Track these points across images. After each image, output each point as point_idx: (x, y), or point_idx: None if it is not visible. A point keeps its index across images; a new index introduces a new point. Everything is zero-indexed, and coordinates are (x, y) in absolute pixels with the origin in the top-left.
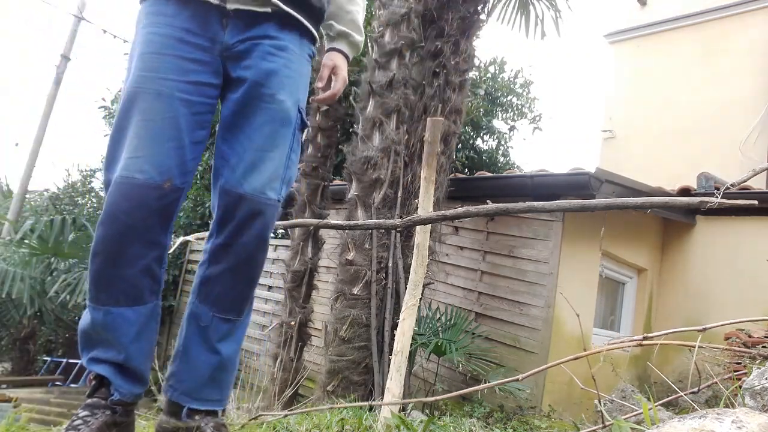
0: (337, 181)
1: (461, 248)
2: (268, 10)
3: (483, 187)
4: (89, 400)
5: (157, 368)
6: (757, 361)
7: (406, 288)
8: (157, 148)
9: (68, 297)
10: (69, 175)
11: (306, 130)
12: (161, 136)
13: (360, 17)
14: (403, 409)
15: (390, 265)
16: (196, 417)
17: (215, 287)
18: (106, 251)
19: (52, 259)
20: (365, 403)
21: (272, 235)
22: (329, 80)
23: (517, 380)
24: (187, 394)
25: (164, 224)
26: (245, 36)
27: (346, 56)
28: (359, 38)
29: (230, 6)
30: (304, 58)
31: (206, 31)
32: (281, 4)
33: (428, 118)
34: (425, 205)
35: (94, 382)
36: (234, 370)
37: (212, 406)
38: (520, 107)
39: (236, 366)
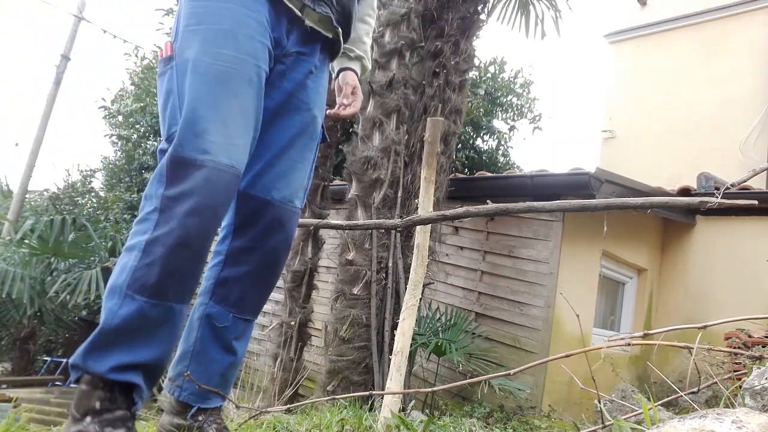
0: (337, 181)
1: (461, 248)
2: (330, 35)
3: (483, 187)
4: (117, 414)
5: None
6: (757, 362)
7: (406, 288)
8: (246, 140)
9: (68, 297)
10: (69, 175)
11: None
12: (250, 127)
13: (369, 49)
14: (403, 409)
15: (390, 265)
16: (201, 417)
17: (235, 289)
18: (197, 245)
19: (52, 259)
20: (365, 393)
21: None
22: (347, 98)
23: (509, 375)
24: (197, 395)
25: None
26: (299, 49)
27: (358, 76)
28: (369, 64)
29: (307, 22)
30: (328, 76)
31: (277, 30)
32: (340, 34)
33: (428, 118)
34: (425, 205)
35: (108, 393)
36: (240, 366)
37: (218, 402)
38: (520, 107)
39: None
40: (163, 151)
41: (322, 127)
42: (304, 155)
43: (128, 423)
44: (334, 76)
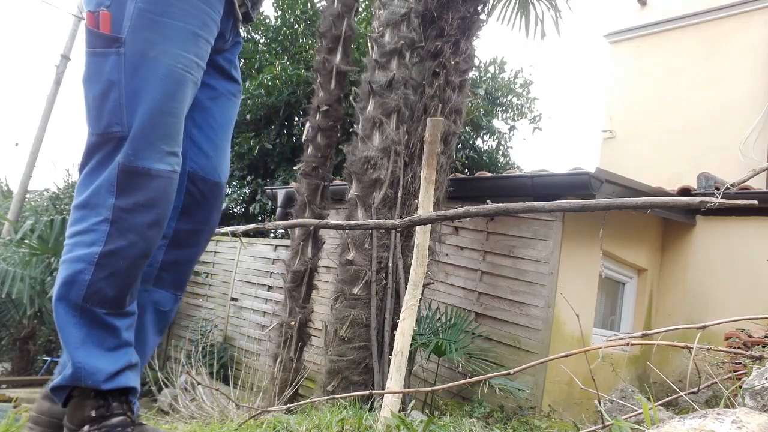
0: (337, 181)
1: (461, 248)
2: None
3: (483, 187)
4: (115, 420)
5: (157, 368)
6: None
7: (406, 288)
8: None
9: None
10: (69, 175)
11: (307, 129)
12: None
13: None
14: (403, 409)
15: (390, 265)
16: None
17: (180, 270)
18: (151, 253)
19: (52, 259)
20: (365, 393)
21: (272, 234)
22: None
23: (509, 375)
24: None
25: None
26: (237, 39)
27: None
28: None
29: (243, 10)
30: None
31: (224, 23)
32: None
33: (428, 118)
34: (425, 205)
35: (102, 400)
36: None
37: None
38: (520, 107)
39: None
40: (94, 147)
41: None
42: (228, 132)
43: (128, 428)
44: None
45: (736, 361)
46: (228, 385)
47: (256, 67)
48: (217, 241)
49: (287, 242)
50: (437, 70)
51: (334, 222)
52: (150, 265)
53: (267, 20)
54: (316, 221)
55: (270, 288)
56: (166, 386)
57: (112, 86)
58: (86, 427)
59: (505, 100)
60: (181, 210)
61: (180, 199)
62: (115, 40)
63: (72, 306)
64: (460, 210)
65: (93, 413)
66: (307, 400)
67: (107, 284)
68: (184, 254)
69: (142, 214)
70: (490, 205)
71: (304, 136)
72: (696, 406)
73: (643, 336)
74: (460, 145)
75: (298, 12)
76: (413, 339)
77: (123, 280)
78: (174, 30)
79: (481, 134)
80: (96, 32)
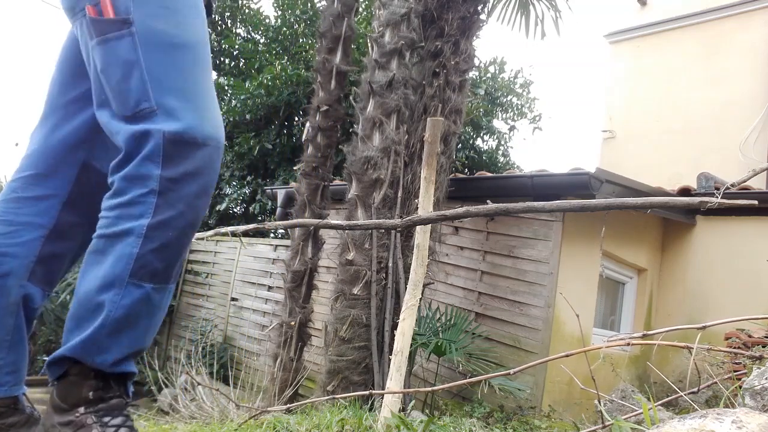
0: (337, 181)
1: (461, 248)
2: None
3: (483, 187)
4: (113, 402)
5: (157, 368)
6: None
7: (406, 288)
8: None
9: (68, 297)
10: None
11: (307, 129)
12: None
13: None
14: (403, 409)
15: (390, 265)
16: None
17: (55, 265)
18: (198, 225)
19: None
20: (365, 393)
21: (272, 234)
22: None
23: (509, 375)
24: (19, 385)
25: None
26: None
27: None
28: None
29: None
30: None
31: None
32: None
33: (428, 118)
34: (425, 205)
35: (101, 381)
36: None
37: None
38: (520, 107)
39: None
40: (131, 127)
41: None
42: None
43: (125, 410)
44: None
45: (736, 361)
46: (228, 385)
47: (256, 67)
48: (217, 241)
49: (287, 242)
50: (437, 70)
51: (334, 222)
52: (21, 256)
53: (267, 20)
54: (316, 221)
55: (270, 288)
56: (166, 386)
57: (132, 66)
58: (81, 409)
59: (505, 100)
60: (68, 198)
61: (66, 186)
62: (125, 22)
63: (117, 282)
64: (460, 210)
65: (90, 395)
66: (307, 400)
67: (157, 256)
68: (63, 248)
69: (189, 184)
70: (490, 205)
71: (304, 136)
72: (696, 406)
73: (644, 336)
74: (460, 145)
75: (298, 12)
76: (413, 339)
77: (172, 251)
78: (196, 3)
79: (481, 134)
80: (102, 20)
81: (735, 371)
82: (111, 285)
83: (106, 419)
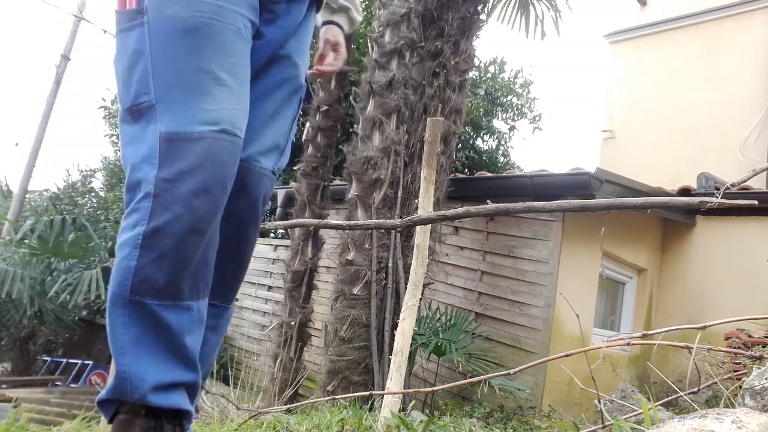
0: (337, 181)
1: (461, 248)
2: None
3: (483, 187)
4: None
5: None
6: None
7: (406, 288)
8: (243, 99)
9: (68, 297)
10: (69, 175)
11: (307, 129)
12: (244, 85)
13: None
14: (403, 409)
15: (390, 265)
16: None
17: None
18: (207, 228)
19: (52, 259)
20: (365, 393)
21: (272, 234)
22: (327, 56)
23: (509, 375)
24: None
25: None
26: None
27: (344, 31)
28: (358, 16)
29: None
30: (312, 26)
31: None
32: None
33: (428, 118)
34: (425, 205)
35: (153, 421)
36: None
37: None
38: (520, 107)
39: None
40: (128, 124)
41: (307, 82)
42: (281, 111)
43: None
44: (321, 32)
45: (736, 361)
46: (228, 385)
47: None
48: None
49: (287, 242)
50: (437, 70)
51: (334, 222)
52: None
53: None
54: (316, 221)
55: (270, 288)
56: None
57: (139, 56)
58: None
59: (505, 100)
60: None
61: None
62: (139, 12)
63: (120, 302)
64: (460, 210)
65: None
66: (307, 401)
67: (156, 269)
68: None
69: (185, 182)
70: (490, 205)
71: (304, 136)
72: (696, 406)
73: (644, 336)
74: (460, 145)
75: None
76: (413, 339)
77: (174, 261)
78: None
79: (481, 134)
80: (124, 11)
81: (735, 371)
82: (113, 304)
83: None
